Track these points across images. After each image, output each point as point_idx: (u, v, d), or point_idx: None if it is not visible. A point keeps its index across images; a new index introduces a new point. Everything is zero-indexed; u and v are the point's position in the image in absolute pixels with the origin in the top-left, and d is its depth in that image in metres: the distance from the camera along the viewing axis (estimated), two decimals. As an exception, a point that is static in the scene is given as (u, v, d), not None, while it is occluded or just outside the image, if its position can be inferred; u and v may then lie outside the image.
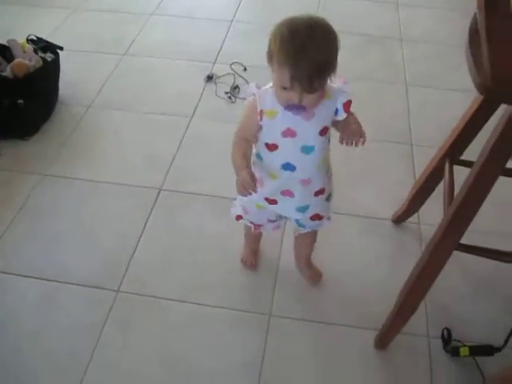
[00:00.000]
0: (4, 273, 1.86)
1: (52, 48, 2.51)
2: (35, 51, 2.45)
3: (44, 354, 1.65)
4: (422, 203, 1.93)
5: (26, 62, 2.38)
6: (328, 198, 1.62)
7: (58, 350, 1.65)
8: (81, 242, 1.97)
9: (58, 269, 1.87)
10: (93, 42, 3.00)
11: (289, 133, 1.40)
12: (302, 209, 1.57)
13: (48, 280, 1.84)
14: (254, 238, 1.87)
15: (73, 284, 1.82)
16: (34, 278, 1.84)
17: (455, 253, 1.38)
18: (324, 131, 1.42)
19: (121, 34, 3.08)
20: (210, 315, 1.75)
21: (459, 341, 1.68)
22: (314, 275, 1.86)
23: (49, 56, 2.48)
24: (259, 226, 1.70)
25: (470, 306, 1.81)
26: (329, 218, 1.68)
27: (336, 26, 2.94)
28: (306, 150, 1.43)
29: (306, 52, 1.23)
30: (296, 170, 1.47)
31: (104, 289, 1.81)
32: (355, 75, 2.79)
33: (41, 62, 2.42)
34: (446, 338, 1.70)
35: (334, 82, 1.39)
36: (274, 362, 1.65)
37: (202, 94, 2.65)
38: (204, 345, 1.68)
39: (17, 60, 2.37)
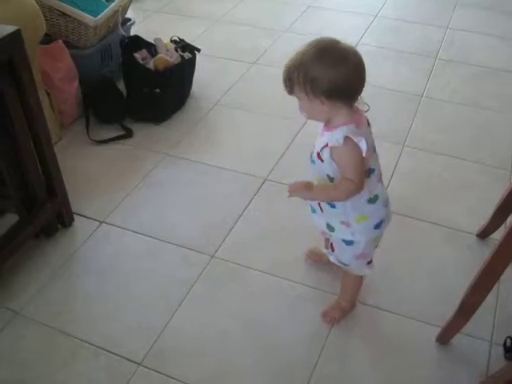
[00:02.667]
0: (120, 227, 2.16)
1: (191, 48, 2.83)
2: (176, 50, 2.79)
3: (139, 294, 1.92)
4: (504, 219, 2.00)
5: (167, 58, 2.71)
6: (330, 229, 1.64)
7: (152, 293, 1.92)
8: (188, 212, 2.23)
9: (164, 230, 2.14)
10: (228, 50, 3.33)
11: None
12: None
13: (154, 238, 2.12)
14: None
15: (175, 244, 2.09)
16: (143, 234, 2.13)
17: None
18: (319, 156, 1.51)
19: (254, 45, 3.38)
20: (289, 288, 1.94)
21: (521, 350, 1.74)
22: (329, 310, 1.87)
23: (187, 55, 2.80)
24: None
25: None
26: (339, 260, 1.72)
27: (455, 56, 3.19)
28: (312, 159, 1.57)
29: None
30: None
31: (202, 253, 2.05)
32: (466, 101, 2.90)
33: (179, 59, 2.74)
34: (508, 346, 1.76)
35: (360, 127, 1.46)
36: (338, 339, 1.79)
37: (318, 104, 2.87)
38: (278, 312, 1.86)
39: (159, 55, 2.72)
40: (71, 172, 2.29)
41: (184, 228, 2.16)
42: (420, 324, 1.84)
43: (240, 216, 2.21)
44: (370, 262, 1.73)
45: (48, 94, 2.53)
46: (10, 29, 1.73)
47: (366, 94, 3.02)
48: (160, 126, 2.70)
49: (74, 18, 2.58)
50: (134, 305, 1.88)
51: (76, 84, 2.69)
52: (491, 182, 2.39)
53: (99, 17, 2.62)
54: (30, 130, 1.90)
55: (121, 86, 2.82)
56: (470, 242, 2.12)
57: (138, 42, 2.77)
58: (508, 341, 1.76)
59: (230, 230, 2.15)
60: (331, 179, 1.53)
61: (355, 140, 1.41)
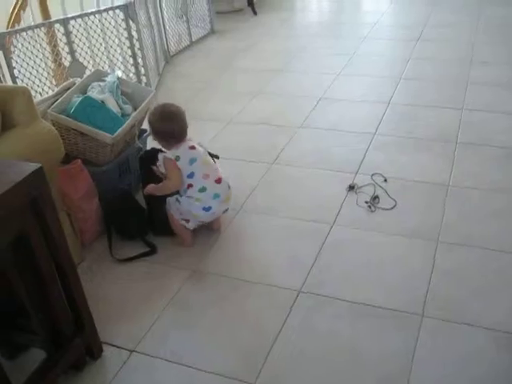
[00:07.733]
0: (152, 356, 2.04)
1: (209, 156, 2.78)
2: (194, 159, 2.74)
3: None
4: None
5: (186, 167, 2.66)
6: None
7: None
8: (220, 335, 2.12)
9: (197, 357, 2.02)
10: (244, 151, 3.30)
11: None
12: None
13: (188, 366, 1.99)
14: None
15: (210, 373, 1.96)
16: (176, 363, 2.00)
17: None
18: None
19: (270, 144, 3.36)
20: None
21: None
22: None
23: (206, 163, 2.75)
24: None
25: None
26: None
27: (475, 138, 3.11)
28: None
29: None
30: None
31: (240, 381, 1.92)
32: (494, 186, 2.82)
33: (199, 169, 2.70)
34: None
35: None
36: None
37: (343, 202, 2.79)
38: None
39: (178, 166, 2.67)
40: (96, 296, 2.20)
41: (218, 354, 2.03)
42: None
43: (278, 335, 2.08)
44: (187, 221, 2.52)
45: (68, 215, 2.47)
46: (31, 167, 1.68)
47: (391, 188, 2.96)
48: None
49: (92, 137, 2.56)
50: None
51: (96, 201, 2.65)
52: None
53: (117, 134, 2.60)
54: (54, 262, 1.83)
55: (140, 196, 2.77)
56: (526, 347, 1.99)
57: (156, 155, 2.73)
58: None
59: (267, 355, 2.01)
60: None
61: (169, 157, 2.43)
